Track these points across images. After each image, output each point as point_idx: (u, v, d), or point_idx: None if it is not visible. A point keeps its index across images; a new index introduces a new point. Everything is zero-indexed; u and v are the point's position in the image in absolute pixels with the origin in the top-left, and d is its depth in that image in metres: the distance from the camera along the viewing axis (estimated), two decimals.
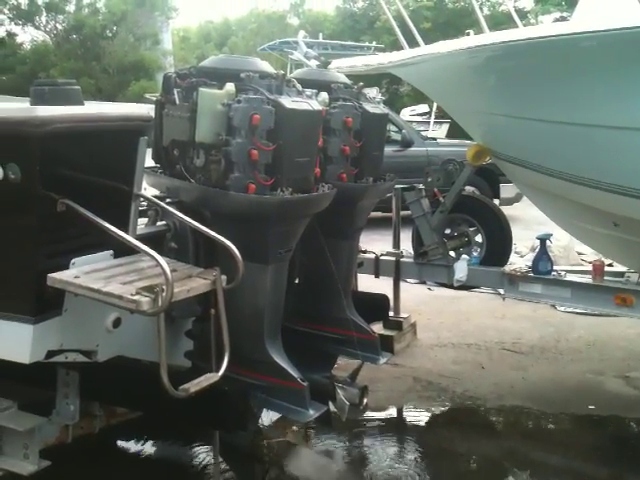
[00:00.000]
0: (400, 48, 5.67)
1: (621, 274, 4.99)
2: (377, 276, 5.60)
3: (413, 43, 5.82)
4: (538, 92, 4.24)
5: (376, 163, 3.86)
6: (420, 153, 10.80)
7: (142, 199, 2.98)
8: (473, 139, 5.45)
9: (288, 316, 3.55)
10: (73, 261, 2.55)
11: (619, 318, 5.73)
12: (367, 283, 5.28)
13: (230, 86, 2.94)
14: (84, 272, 2.53)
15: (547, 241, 5.06)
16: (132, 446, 3.96)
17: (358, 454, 3.99)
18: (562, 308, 6.42)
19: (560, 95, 4.09)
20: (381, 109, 3.91)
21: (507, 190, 10.47)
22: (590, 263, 5.01)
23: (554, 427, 4.26)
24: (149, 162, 3.19)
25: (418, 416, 4.52)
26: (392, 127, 11.19)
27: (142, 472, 3.74)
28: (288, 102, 2.97)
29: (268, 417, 3.87)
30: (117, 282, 2.47)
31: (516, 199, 10.52)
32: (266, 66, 3.21)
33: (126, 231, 2.67)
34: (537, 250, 5.13)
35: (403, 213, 5.72)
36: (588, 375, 5.07)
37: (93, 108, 2.73)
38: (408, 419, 4.49)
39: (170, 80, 3.13)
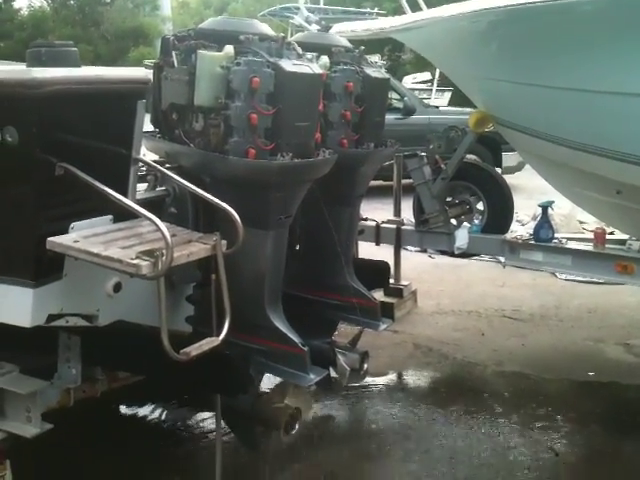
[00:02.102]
0: (402, 15, 5.59)
1: (622, 242, 4.97)
2: (378, 244, 5.60)
3: (416, 8, 5.74)
4: (541, 58, 4.18)
5: (377, 129, 3.82)
6: (422, 121, 10.71)
7: (141, 164, 2.97)
8: (475, 106, 5.39)
9: (289, 283, 3.55)
10: (72, 225, 2.54)
11: (620, 286, 5.75)
12: (368, 251, 5.28)
13: (229, 48, 2.90)
14: (83, 236, 2.51)
15: (549, 209, 5.04)
16: (134, 410, 4.01)
17: (359, 417, 4.03)
18: (563, 276, 6.43)
19: (563, 61, 4.03)
20: (382, 73, 3.86)
21: (510, 159, 10.43)
22: (591, 231, 4.99)
23: (553, 393, 4.29)
24: (148, 126, 3.16)
25: (418, 381, 4.56)
26: (394, 95, 11.09)
27: (144, 435, 3.79)
28: (288, 65, 2.93)
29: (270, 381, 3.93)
30: (117, 246, 2.46)
31: (518, 168, 10.47)
32: (266, 28, 3.16)
33: (125, 196, 2.65)
34: (539, 217, 5.12)
35: (405, 182, 5.70)
36: (588, 342, 5.10)
37: (91, 70, 2.69)
38: (408, 384, 4.53)
39: (168, 43, 3.08)
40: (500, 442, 3.71)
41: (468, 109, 6.54)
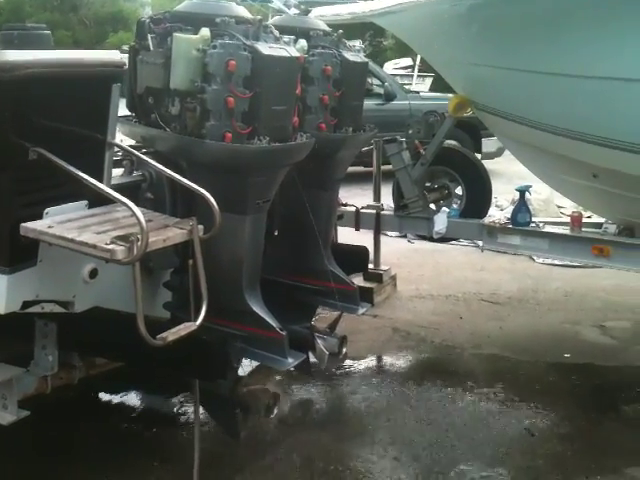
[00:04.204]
0: None
1: (599, 225, 5.04)
2: (358, 229, 5.61)
3: None
4: (520, 42, 4.19)
5: (356, 113, 3.81)
6: (403, 107, 10.70)
7: (117, 149, 2.94)
8: (455, 90, 5.40)
9: (268, 268, 3.55)
10: (47, 211, 2.51)
11: (596, 270, 5.83)
12: (348, 236, 5.29)
13: (205, 31, 2.87)
14: (58, 222, 2.49)
15: (526, 193, 5.08)
16: (113, 396, 4.00)
17: (338, 401, 4.06)
18: (540, 260, 6.50)
19: (541, 45, 4.05)
20: (361, 57, 3.84)
21: (489, 144, 10.47)
22: (569, 216, 5.04)
23: (531, 374, 4.34)
24: (123, 111, 3.13)
25: (397, 364, 4.59)
26: (375, 80, 11.06)
27: (123, 421, 3.78)
28: (265, 48, 2.91)
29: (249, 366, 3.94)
30: (91, 232, 2.43)
31: (498, 153, 10.52)
32: (242, 11, 3.13)
33: (100, 181, 2.62)
34: (516, 201, 5.16)
35: (385, 168, 5.70)
36: (565, 325, 5.16)
37: (65, 53, 2.65)
38: (387, 367, 4.56)
39: (144, 25, 3.04)
40: (477, 422, 3.76)
41: (449, 95, 6.55)
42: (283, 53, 3.00)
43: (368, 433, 3.67)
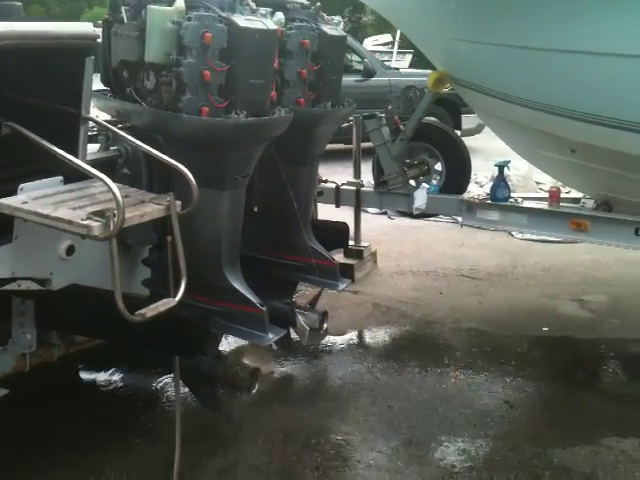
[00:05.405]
0: None
1: (577, 200, 5.08)
2: (338, 206, 5.61)
3: None
4: (498, 17, 4.19)
5: (334, 88, 3.79)
6: (383, 83, 10.65)
7: (92, 124, 2.90)
8: (434, 66, 5.38)
9: (248, 244, 3.54)
10: (21, 187, 2.48)
11: (574, 245, 5.89)
12: (328, 213, 5.28)
13: (180, 3, 2.82)
14: (33, 198, 2.46)
15: (505, 168, 5.10)
16: (93, 374, 3.99)
17: (318, 376, 4.08)
18: (519, 236, 6.54)
19: (519, 20, 4.05)
20: (339, 31, 3.81)
21: (469, 121, 10.49)
22: (547, 191, 5.07)
23: (509, 348, 4.39)
24: (98, 85, 3.08)
25: (377, 339, 4.62)
26: (354, 57, 10.99)
27: (104, 399, 3.78)
28: (241, 20, 2.87)
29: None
30: (67, 207, 2.41)
31: (477, 130, 10.55)
32: None
33: (76, 156, 2.59)
34: (495, 177, 5.18)
35: (365, 145, 5.69)
36: (543, 299, 5.22)
37: (36, 25, 2.59)
38: (368, 342, 4.59)
39: None
40: (456, 395, 3.80)
41: (429, 71, 6.54)
42: (259, 25, 2.96)
43: (348, 407, 3.69)
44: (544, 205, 4.83)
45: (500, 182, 4.95)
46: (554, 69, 3.92)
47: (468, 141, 6.70)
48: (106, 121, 3.05)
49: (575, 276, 5.67)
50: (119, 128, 2.99)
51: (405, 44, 14.70)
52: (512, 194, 5.03)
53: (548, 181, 7.13)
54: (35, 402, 3.50)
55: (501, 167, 5.04)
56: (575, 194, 5.29)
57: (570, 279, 5.61)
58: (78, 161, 2.47)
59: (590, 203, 4.91)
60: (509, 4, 4.11)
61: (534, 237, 6.34)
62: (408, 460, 3.22)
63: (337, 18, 5.70)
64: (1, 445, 3.15)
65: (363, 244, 5.81)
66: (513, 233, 6.52)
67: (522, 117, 4.38)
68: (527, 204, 4.88)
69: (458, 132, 8.26)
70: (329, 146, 4.10)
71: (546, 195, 5.00)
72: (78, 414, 3.51)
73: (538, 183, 7.91)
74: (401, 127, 5.28)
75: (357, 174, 5.68)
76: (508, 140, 5.32)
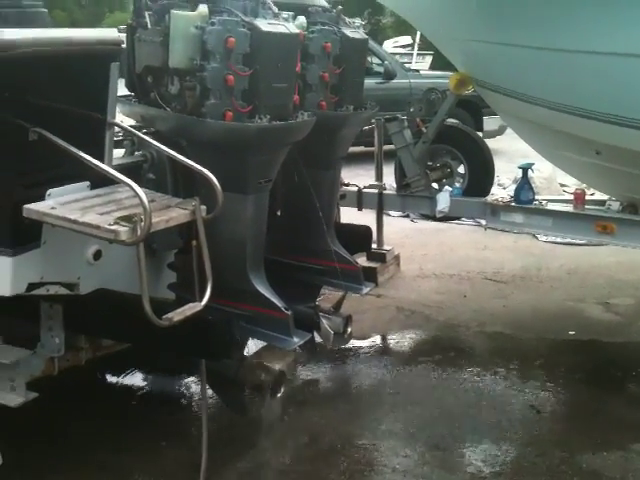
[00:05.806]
0: None
1: (602, 202, 5.02)
2: (360, 209, 5.60)
3: None
4: (521, 17, 4.15)
5: (356, 90, 3.78)
6: (403, 85, 10.63)
7: (117, 129, 2.92)
8: (456, 68, 5.36)
9: (272, 248, 3.54)
10: (49, 192, 2.50)
11: (600, 248, 5.82)
12: (351, 216, 5.28)
13: (203, 7, 2.83)
14: (60, 203, 2.48)
15: (529, 170, 5.05)
16: (119, 377, 4.01)
17: (344, 379, 4.07)
18: (543, 238, 6.48)
19: (543, 20, 4.01)
20: (361, 34, 3.80)
21: (491, 123, 10.41)
22: (572, 193, 5.02)
23: (535, 352, 4.35)
24: (123, 91, 3.10)
25: (402, 343, 4.60)
26: (375, 59, 10.98)
27: (130, 402, 3.80)
28: (264, 25, 2.87)
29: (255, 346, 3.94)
30: (95, 212, 2.43)
31: (499, 132, 10.47)
32: None
33: (102, 161, 2.61)
34: (519, 180, 5.13)
35: (387, 147, 5.67)
36: (568, 302, 5.16)
37: (62, 32, 2.62)
38: (392, 346, 4.57)
39: (141, 3, 2.99)
40: (482, 400, 3.76)
41: (449, 73, 6.52)
42: (282, 29, 2.96)
43: (373, 411, 3.68)
44: (569, 207, 4.77)
45: (524, 184, 4.91)
46: (578, 70, 3.87)
47: (490, 143, 6.65)
48: (131, 126, 3.08)
49: (600, 279, 5.60)
50: (144, 133, 3.01)
51: (425, 46, 14.67)
52: (536, 196, 4.98)
53: (572, 183, 7.05)
54: (63, 404, 3.53)
55: (525, 169, 5.00)
56: (600, 196, 5.23)
57: (595, 282, 5.54)
58: (105, 166, 2.49)
59: (616, 205, 4.84)
60: (532, 4, 4.08)
61: (558, 239, 6.27)
62: (434, 465, 3.19)
63: (358, 21, 5.70)
64: (32, 446, 3.18)
65: (386, 247, 5.79)
66: (537, 235, 6.46)
67: (547, 119, 4.34)
68: (552, 206, 4.83)
69: (480, 134, 8.21)
70: (351, 149, 4.09)
71: (571, 197, 4.94)
72: (106, 417, 3.54)
73: (562, 185, 7.83)
74: (423, 129, 5.26)
75: (379, 177, 5.67)
76: (532, 142, 5.27)
